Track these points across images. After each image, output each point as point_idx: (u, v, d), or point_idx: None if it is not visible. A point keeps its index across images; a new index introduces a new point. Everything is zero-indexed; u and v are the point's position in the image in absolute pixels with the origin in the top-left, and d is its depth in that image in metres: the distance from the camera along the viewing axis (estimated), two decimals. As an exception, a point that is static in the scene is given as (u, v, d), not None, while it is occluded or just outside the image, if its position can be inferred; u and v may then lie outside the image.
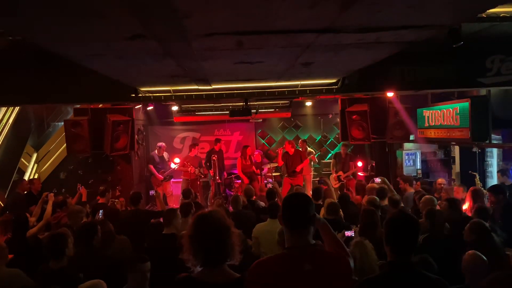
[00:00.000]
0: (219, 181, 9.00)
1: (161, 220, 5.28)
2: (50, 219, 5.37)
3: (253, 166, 9.28)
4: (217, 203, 5.82)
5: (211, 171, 8.96)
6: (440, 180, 6.95)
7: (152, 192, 6.90)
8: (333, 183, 9.00)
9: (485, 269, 3.02)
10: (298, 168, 8.67)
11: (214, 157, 8.91)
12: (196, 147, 9.48)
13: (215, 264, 1.91)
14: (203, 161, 9.36)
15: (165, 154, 9.57)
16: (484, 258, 3.09)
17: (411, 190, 6.57)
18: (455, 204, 4.61)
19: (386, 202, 5.32)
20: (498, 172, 6.80)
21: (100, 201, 6.47)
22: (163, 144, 9.54)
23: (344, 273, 1.98)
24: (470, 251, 3.18)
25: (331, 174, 9.52)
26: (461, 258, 3.19)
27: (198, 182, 9.14)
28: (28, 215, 5.32)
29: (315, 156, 9.78)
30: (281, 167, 9.45)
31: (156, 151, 9.43)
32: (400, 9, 2.60)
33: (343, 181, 8.92)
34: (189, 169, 8.90)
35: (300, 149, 9.42)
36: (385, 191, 5.61)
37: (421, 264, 3.08)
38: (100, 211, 5.42)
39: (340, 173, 9.16)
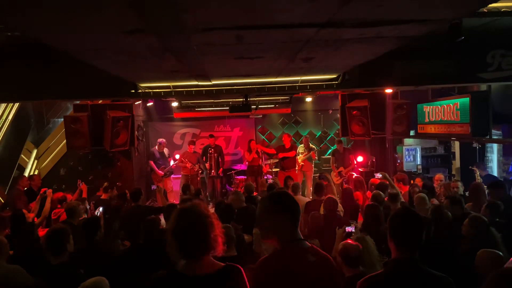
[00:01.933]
0: (213, 174, 9.07)
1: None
2: (47, 215, 5.38)
3: (260, 160, 9.32)
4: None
5: (207, 165, 9.06)
6: (438, 176, 6.90)
7: (154, 187, 6.94)
8: (335, 179, 9.00)
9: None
10: (280, 155, 9.15)
11: (211, 151, 9.01)
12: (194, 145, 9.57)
13: (194, 257, 1.93)
14: (203, 157, 9.40)
15: (166, 150, 9.59)
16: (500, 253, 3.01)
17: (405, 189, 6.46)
18: (457, 200, 4.59)
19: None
20: (474, 167, 6.80)
21: (102, 197, 6.49)
22: (164, 140, 9.57)
23: (338, 273, 2.06)
24: (483, 249, 3.08)
25: (331, 170, 9.51)
26: (460, 254, 3.15)
27: (198, 178, 9.16)
28: (25, 211, 5.33)
29: (315, 152, 9.77)
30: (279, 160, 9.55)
31: (156, 147, 9.44)
32: (401, 3, 2.58)
33: (345, 176, 8.92)
34: (186, 164, 8.93)
35: (302, 145, 9.46)
36: (384, 186, 5.60)
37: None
38: (100, 208, 5.44)
39: (341, 168, 9.16)
